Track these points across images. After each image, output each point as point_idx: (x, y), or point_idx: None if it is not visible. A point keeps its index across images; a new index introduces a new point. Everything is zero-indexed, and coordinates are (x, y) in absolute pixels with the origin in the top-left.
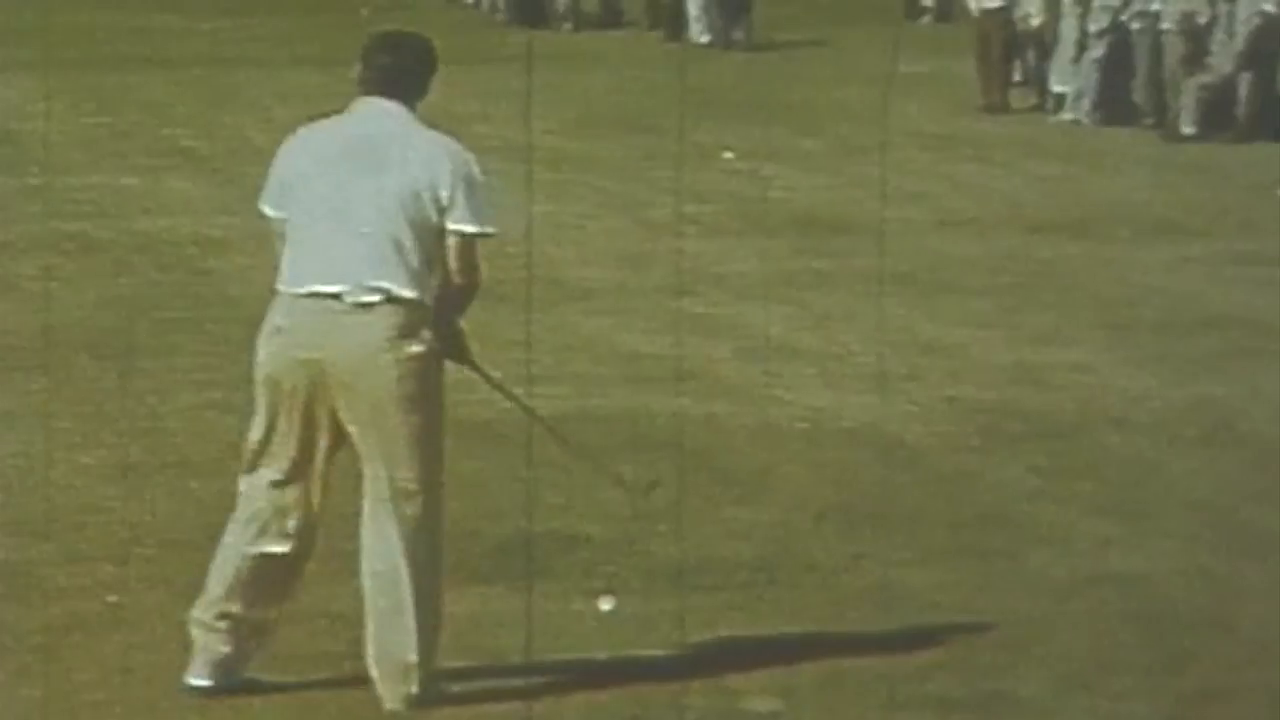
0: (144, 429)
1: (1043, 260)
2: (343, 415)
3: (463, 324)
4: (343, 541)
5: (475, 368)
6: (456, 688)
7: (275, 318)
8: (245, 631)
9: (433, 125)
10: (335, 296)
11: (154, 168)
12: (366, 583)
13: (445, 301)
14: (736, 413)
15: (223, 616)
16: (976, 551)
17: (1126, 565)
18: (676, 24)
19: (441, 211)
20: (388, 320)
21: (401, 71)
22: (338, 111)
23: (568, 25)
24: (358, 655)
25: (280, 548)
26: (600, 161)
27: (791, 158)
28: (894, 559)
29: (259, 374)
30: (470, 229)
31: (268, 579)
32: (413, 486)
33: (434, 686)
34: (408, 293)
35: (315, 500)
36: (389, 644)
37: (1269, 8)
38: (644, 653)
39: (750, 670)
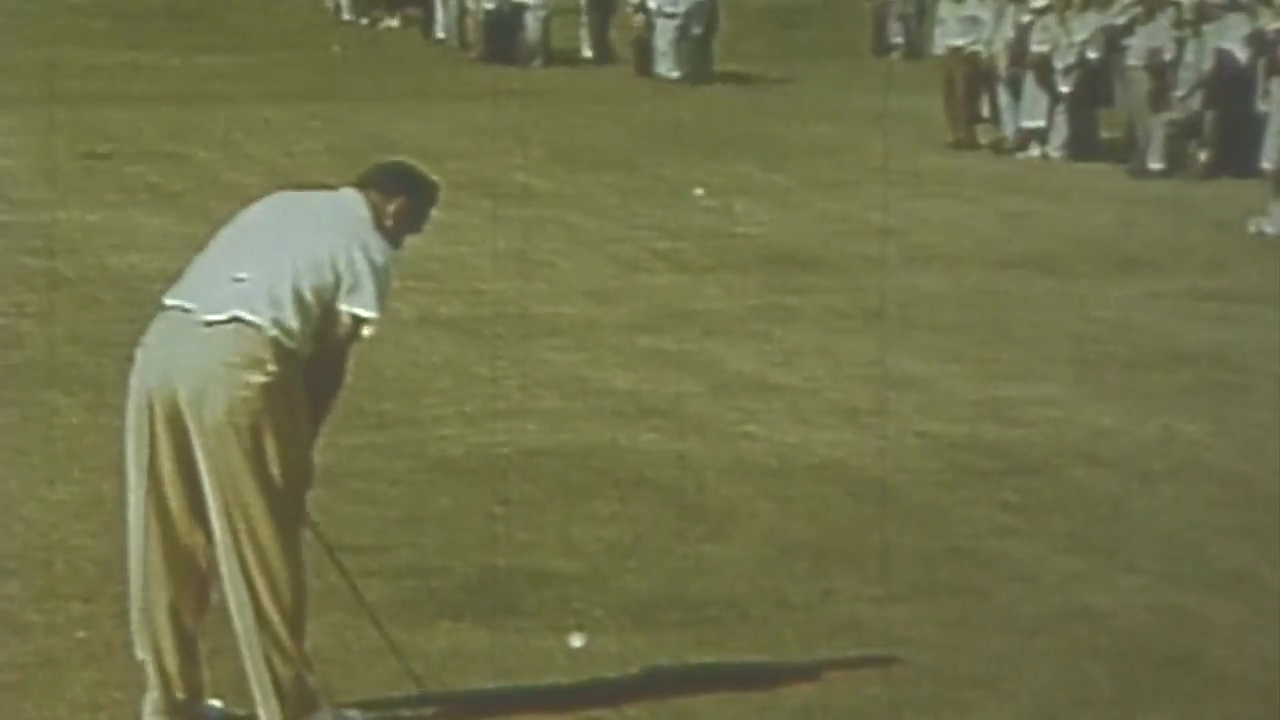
0: (113, 465)
1: (1011, 296)
2: (200, 457)
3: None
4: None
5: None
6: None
7: (148, 332)
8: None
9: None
10: (187, 311)
11: (122, 203)
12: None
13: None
14: (706, 448)
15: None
16: (946, 587)
17: (1096, 601)
18: (645, 59)
19: (337, 285)
20: (230, 342)
21: (386, 184)
22: (309, 147)
23: (537, 62)
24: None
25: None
26: (570, 197)
27: (761, 193)
28: (864, 595)
29: (132, 389)
30: (356, 310)
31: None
32: (242, 525)
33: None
34: (257, 320)
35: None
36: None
37: (1227, 45)
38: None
39: (721, 705)
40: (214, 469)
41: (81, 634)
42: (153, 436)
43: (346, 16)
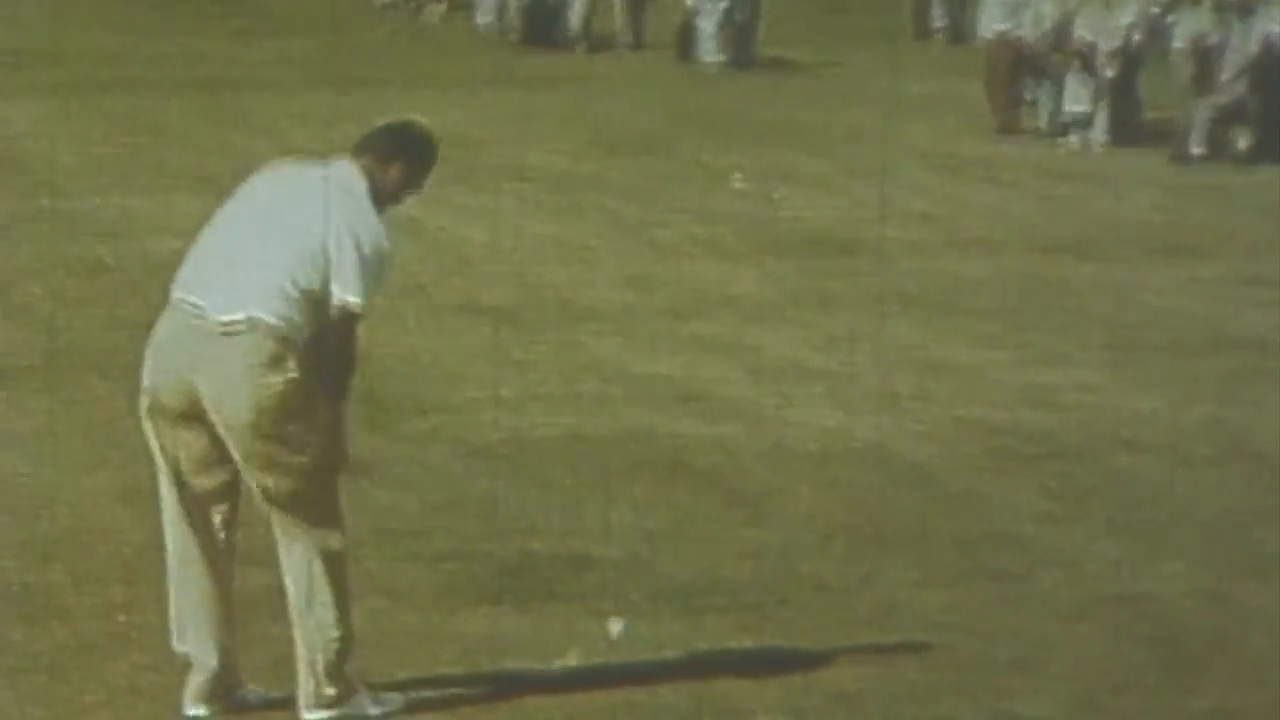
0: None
1: (1051, 281)
2: (231, 448)
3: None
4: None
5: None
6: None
7: (158, 327)
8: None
9: (443, 147)
10: (200, 312)
11: (164, 190)
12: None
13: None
14: (745, 434)
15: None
16: (985, 572)
17: (1136, 586)
18: (688, 45)
19: (330, 274)
20: (251, 348)
21: (383, 149)
22: (349, 133)
23: (580, 48)
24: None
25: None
26: (609, 183)
27: (801, 179)
28: (903, 580)
29: (144, 384)
30: (345, 296)
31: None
32: (280, 512)
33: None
34: (273, 321)
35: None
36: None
37: (1277, 29)
38: (653, 667)
39: (760, 690)
40: (246, 460)
41: (121, 618)
42: (174, 431)
43: (387, 0)
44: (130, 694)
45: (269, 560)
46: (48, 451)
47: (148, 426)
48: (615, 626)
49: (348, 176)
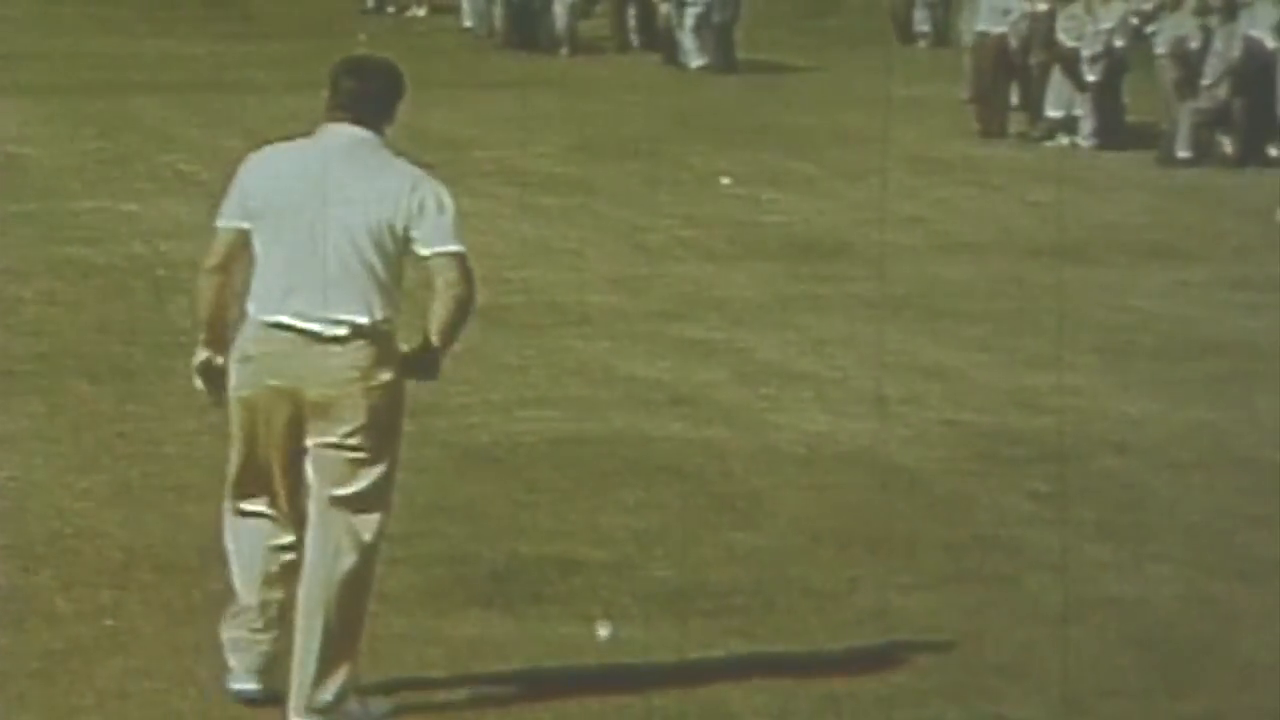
0: (142, 453)
1: (1039, 285)
2: (311, 437)
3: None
4: None
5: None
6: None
7: (245, 344)
8: (278, 624)
9: (430, 150)
10: (300, 325)
11: (152, 192)
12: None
13: (438, 324)
14: (733, 437)
15: (263, 612)
16: (974, 576)
17: (1124, 590)
18: (672, 48)
19: (409, 241)
20: (358, 353)
21: (368, 97)
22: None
23: (564, 50)
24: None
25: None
26: (597, 186)
27: (788, 182)
28: (891, 583)
29: (234, 398)
30: (453, 248)
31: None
32: (366, 508)
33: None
34: (374, 322)
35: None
36: (301, 651)
37: (1256, 33)
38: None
39: (749, 693)
40: (329, 461)
41: (110, 622)
42: (269, 432)
43: (371, 4)
44: (119, 698)
45: None
46: (36, 454)
47: (238, 418)
48: (603, 629)
49: (363, 141)
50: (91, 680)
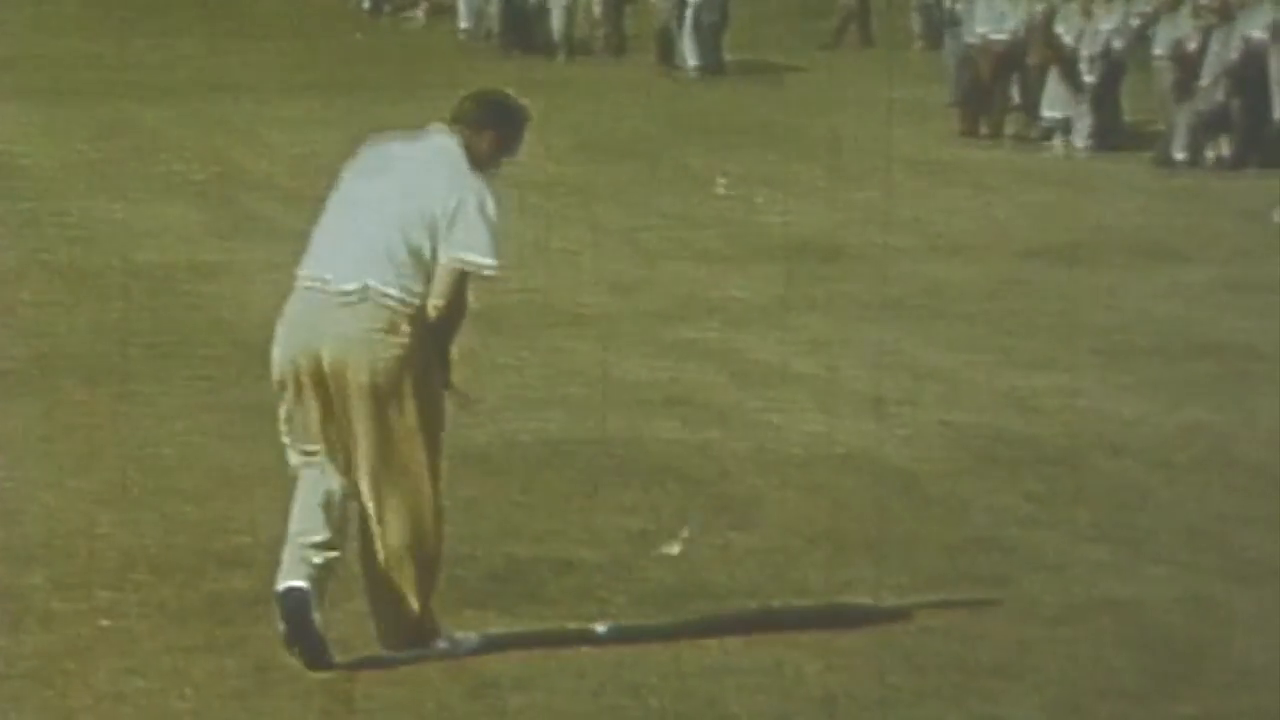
0: (137, 455)
1: (1036, 286)
2: (335, 398)
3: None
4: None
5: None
6: None
7: (287, 309)
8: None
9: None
10: (323, 285)
11: (147, 194)
12: None
13: (433, 330)
14: (730, 438)
15: (315, 546)
16: (970, 577)
17: (1120, 591)
18: (668, 50)
19: (440, 237)
20: (369, 316)
21: (470, 117)
22: (331, 138)
23: (561, 53)
24: None
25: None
26: (593, 188)
27: (784, 184)
28: (887, 584)
29: (276, 358)
30: (460, 259)
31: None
32: (390, 470)
33: None
34: (390, 290)
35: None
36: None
37: (1255, 34)
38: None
39: (745, 694)
40: (362, 421)
41: (105, 623)
42: (304, 398)
43: (368, 6)
44: (114, 699)
45: None
46: (32, 455)
47: (288, 395)
48: (599, 630)
49: (449, 144)
50: (87, 681)
